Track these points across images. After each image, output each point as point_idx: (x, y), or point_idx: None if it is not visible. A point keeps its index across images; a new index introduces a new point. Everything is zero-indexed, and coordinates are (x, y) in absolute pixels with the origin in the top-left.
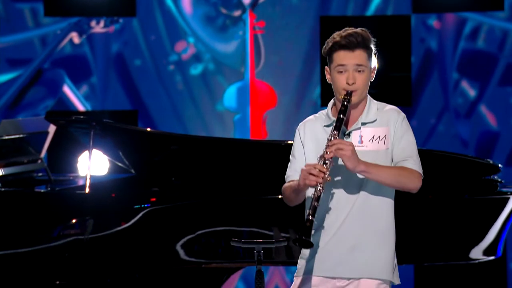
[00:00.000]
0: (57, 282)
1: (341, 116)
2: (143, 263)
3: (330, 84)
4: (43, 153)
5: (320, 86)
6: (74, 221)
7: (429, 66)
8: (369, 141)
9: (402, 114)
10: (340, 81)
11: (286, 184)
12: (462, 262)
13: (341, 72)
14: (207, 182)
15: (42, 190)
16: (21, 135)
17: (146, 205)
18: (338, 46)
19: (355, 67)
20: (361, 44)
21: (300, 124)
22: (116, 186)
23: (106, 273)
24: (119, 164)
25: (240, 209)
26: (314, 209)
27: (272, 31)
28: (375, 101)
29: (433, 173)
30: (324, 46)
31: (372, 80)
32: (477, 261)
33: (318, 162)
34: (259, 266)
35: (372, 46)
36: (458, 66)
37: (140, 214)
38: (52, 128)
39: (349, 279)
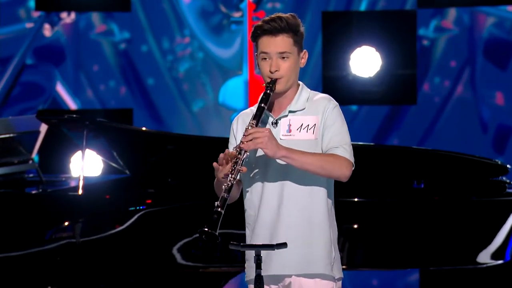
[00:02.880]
0: (49, 287)
1: (262, 105)
2: (138, 267)
3: (332, 79)
4: (34, 153)
5: (322, 81)
6: (66, 223)
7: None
8: (297, 129)
9: (334, 103)
10: (264, 69)
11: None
12: (469, 267)
13: (265, 59)
14: (204, 183)
15: (33, 192)
16: (11, 135)
17: (141, 207)
18: (261, 31)
19: (278, 55)
20: (285, 29)
21: (235, 117)
22: (110, 188)
23: (99, 278)
24: (113, 164)
25: (238, 211)
26: (223, 201)
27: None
28: (308, 90)
29: (440, 174)
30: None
31: (302, 66)
32: (484, 266)
33: (235, 150)
34: (259, 271)
35: (302, 31)
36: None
37: (135, 217)
38: (43, 127)
39: (290, 276)
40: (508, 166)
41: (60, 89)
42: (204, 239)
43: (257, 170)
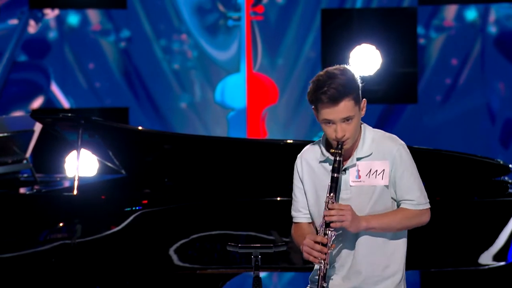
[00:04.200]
0: None
1: (335, 175)
2: (134, 269)
3: None
4: (28, 153)
5: None
6: (61, 224)
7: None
8: (366, 175)
9: (399, 144)
10: (329, 132)
11: (294, 232)
12: (470, 268)
13: (328, 123)
14: (201, 183)
15: (28, 192)
16: (5, 134)
17: (137, 208)
18: (320, 101)
19: (342, 120)
20: (344, 94)
21: (298, 157)
22: (106, 188)
23: (95, 280)
24: (109, 164)
25: (236, 212)
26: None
27: (270, 23)
28: (370, 130)
29: (441, 174)
30: (307, 92)
31: (363, 115)
32: (486, 267)
33: (319, 233)
34: (257, 272)
35: (357, 84)
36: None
37: (131, 217)
38: (38, 127)
39: None
40: (510, 166)
41: (55, 88)
42: None
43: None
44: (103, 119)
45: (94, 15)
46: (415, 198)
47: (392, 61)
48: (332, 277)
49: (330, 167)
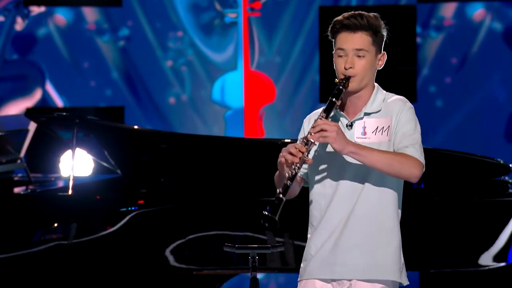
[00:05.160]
0: None
1: (333, 99)
2: (130, 270)
3: (330, 74)
4: (22, 153)
5: (319, 76)
6: (56, 225)
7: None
8: (372, 132)
9: (409, 104)
10: (339, 65)
11: (276, 176)
12: (470, 269)
13: (341, 56)
14: (198, 183)
15: (22, 192)
16: None
17: (133, 208)
18: (340, 25)
19: (354, 52)
20: (364, 26)
21: (307, 116)
22: (101, 188)
23: (90, 281)
24: (104, 164)
25: (233, 212)
26: (285, 188)
27: (268, 20)
28: (383, 92)
29: (440, 174)
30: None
31: (379, 68)
32: (486, 268)
33: (301, 143)
34: (254, 273)
35: (383, 32)
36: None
37: (127, 218)
38: (32, 126)
39: (350, 280)
40: (511, 165)
41: (49, 86)
42: (262, 223)
43: (329, 171)
44: (98, 118)
45: (89, 12)
46: (410, 145)
47: (391, 60)
48: (319, 238)
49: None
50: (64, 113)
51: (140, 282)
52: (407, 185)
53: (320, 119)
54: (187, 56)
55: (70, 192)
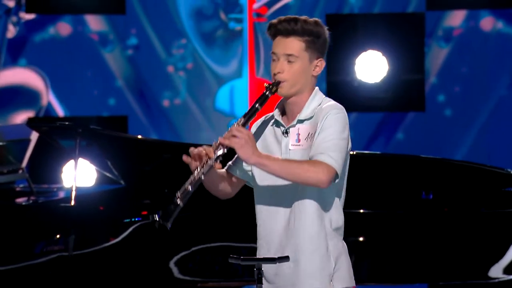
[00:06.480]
0: None
1: (256, 105)
2: (133, 282)
3: (337, 84)
4: (24, 163)
5: (326, 86)
6: (58, 236)
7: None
8: (304, 139)
9: (335, 110)
10: (271, 70)
11: None
12: (480, 281)
13: (274, 60)
14: (202, 193)
15: (24, 203)
16: (0, 143)
17: (136, 219)
18: (274, 29)
19: (285, 57)
20: (297, 31)
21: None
22: (104, 199)
23: None
24: (107, 174)
25: (238, 223)
26: (184, 194)
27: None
28: (321, 98)
29: (449, 184)
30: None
31: (315, 75)
32: (496, 280)
33: (213, 146)
34: (260, 285)
35: (323, 37)
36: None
37: (130, 229)
38: (34, 136)
39: None
40: None
41: (51, 96)
42: (156, 226)
43: (268, 182)
44: (101, 127)
45: (92, 21)
46: (324, 151)
47: (399, 68)
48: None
49: (279, 131)
50: (67, 123)
51: None
52: (415, 196)
53: (238, 124)
54: (190, 64)
55: (72, 202)
